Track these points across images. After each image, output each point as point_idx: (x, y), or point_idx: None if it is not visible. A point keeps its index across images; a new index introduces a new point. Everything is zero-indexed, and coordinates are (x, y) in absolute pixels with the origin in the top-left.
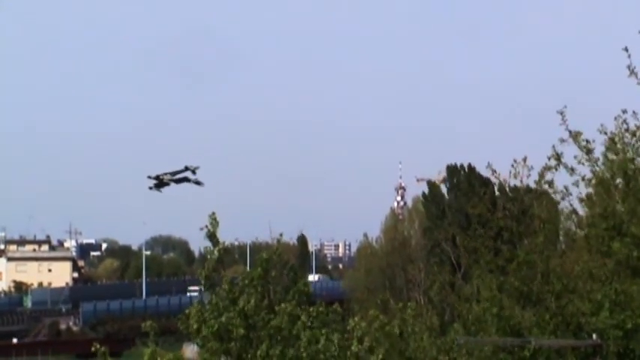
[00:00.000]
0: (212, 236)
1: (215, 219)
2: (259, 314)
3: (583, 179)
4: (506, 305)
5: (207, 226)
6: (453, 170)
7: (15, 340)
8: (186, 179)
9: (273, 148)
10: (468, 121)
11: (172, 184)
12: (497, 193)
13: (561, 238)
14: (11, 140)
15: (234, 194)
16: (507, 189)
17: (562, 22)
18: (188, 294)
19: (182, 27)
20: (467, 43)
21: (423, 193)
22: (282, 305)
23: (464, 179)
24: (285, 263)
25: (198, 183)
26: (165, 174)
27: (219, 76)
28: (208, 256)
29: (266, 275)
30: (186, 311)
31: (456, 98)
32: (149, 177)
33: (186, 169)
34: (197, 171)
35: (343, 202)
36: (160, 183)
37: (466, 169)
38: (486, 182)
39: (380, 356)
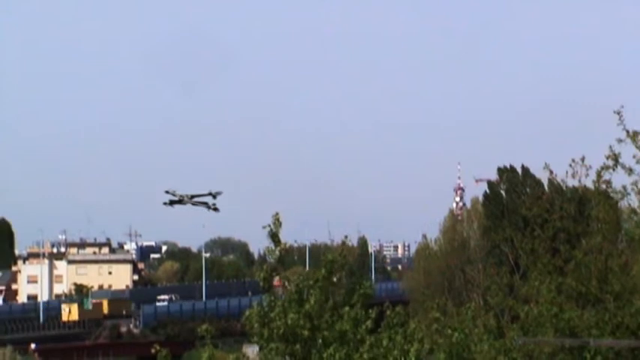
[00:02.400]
0: (274, 236)
1: (278, 219)
2: (323, 316)
3: None
4: (565, 306)
5: (269, 226)
6: (504, 172)
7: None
8: (204, 204)
9: (333, 151)
10: (525, 121)
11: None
12: (553, 193)
13: (621, 238)
14: (71, 145)
15: (294, 195)
16: (564, 189)
17: (618, 21)
18: (158, 302)
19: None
20: (523, 43)
21: (483, 194)
22: (347, 308)
23: (518, 180)
24: (348, 265)
25: (215, 209)
26: (186, 196)
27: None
28: (269, 256)
29: (330, 277)
30: (246, 312)
31: (513, 98)
32: (167, 192)
33: (210, 194)
34: (218, 196)
35: (402, 204)
36: (176, 202)
37: (519, 170)
38: (540, 183)
39: (442, 357)
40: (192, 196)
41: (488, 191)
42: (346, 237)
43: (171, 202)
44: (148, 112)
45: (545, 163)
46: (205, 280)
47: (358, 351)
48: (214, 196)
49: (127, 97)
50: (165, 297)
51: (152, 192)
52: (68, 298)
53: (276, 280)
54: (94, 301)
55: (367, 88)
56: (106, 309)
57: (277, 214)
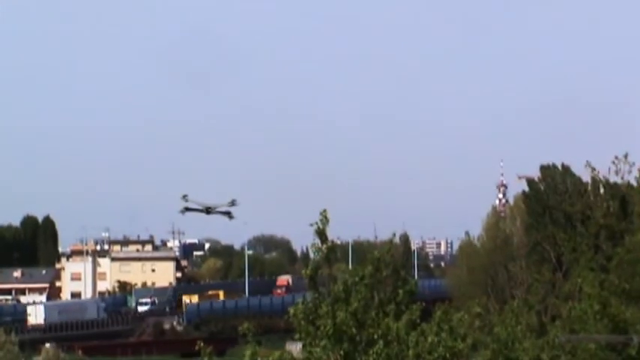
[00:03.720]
0: (321, 233)
1: (325, 216)
2: (369, 313)
3: None
4: (608, 303)
5: (316, 224)
6: (546, 169)
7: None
8: (221, 212)
9: (376, 147)
10: (566, 118)
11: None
12: (595, 190)
13: None
14: (115, 142)
15: (337, 193)
16: (606, 187)
17: None
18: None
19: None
20: (569, 37)
21: (525, 191)
22: (392, 306)
23: (560, 177)
24: (393, 263)
25: (229, 217)
26: (203, 205)
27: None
28: (315, 253)
29: (376, 274)
30: (291, 310)
31: (554, 96)
32: (184, 198)
33: (233, 203)
34: (234, 205)
35: (445, 200)
36: (192, 209)
37: (560, 168)
38: (581, 181)
39: (488, 355)
40: (208, 208)
41: (528, 189)
42: (394, 235)
43: (186, 209)
44: (187, 110)
45: (587, 161)
46: (248, 277)
47: (403, 348)
48: (233, 203)
49: (165, 96)
50: (148, 300)
51: (195, 189)
52: (112, 296)
53: (280, 280)
54: (211, 292)
55: (407, 85)
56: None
57: (325, 210)
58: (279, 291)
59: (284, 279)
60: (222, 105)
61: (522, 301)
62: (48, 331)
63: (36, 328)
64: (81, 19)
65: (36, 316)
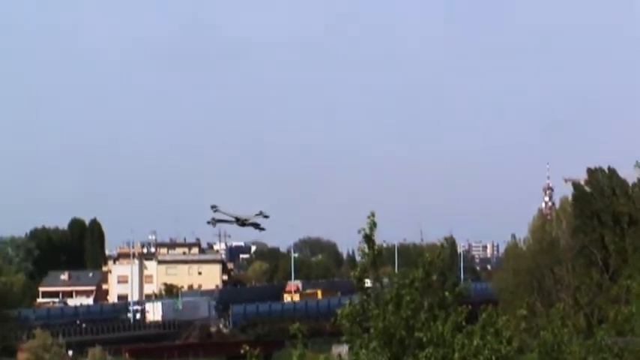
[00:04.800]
0: (368, 237)
1: (373, 220)
2: (418, 317)
3: None
4: None
5: (364, 228)
6: (592, 172)
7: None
8: (252, 224)
9: (423, 150)
10: (612, 121)
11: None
12: None
13: None
14: (161, 145)
15: (384, 196)
16: None
17: None
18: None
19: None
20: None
21: (572, 194)
22: (441, 309)
23: (606, 180)
24: (441, 266)
25: (260, 229)
26: (233, 215)
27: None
28: (362, 257)
29: (427, 277)
30: (339, 312)
31: (599, 98)
32: (213, 209)
33: (261, 214)
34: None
35: (492, 203)
36: (222, 221)
37: (606, 171)
38: (627, 183)
39: (534, 358)
40: (238, 219)
41: (575, 192)
42: (445, 239)
43: (213, 220)
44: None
45: (637, 162)
46: (294, 280)
47: (449, 351)
48: (266, 216)
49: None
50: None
51: (240, 192)
52: (158, 299)
53: (289, 286)
54: (309, 290)
55: (453, 87)
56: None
57: (372, 214)
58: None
59: (293, 284)
60: (270, 106)
61: (569, 304)
62: (166, 328)
63: (153, 324)
64: None
65: (154, 313)
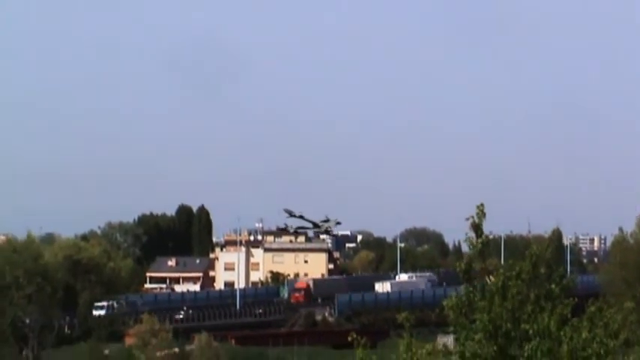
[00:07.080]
0: (477, 228)
1: (482, 210)
2: (525, 309)
3: None
4: None
5: (472, 217)
6: None
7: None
8: (326, 231)
9: (534, 142)
10: None
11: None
12: None
13: None
14: (267, 140)
15: (490, 188)
16: None
17: None
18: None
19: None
20: None
21: None
22: (548, 302)
23: None
24: (548, 258)
25: (330, 235)
26: (309, 220)
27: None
28: (469, 247)
29: (534, 270)
30: (445, 302)
31: None
32: (288, 212)
33: (328, 220)
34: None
35: (599, 196)
36: (300, 228)
37: None
38: None
39: None
40: (315, 224)
41: None
42: (553, 231)
43: (295, 229)
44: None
45: None
46: (400, 270)
47: (555, 344)
48: (338, 222)
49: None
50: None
51: (346, 183)
52: (265, 287)
53: (298, 284)
54: None
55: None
56: None
57: (482, 205)
58: (297, 294)
59: (303, 282)
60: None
61: None
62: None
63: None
64: None
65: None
